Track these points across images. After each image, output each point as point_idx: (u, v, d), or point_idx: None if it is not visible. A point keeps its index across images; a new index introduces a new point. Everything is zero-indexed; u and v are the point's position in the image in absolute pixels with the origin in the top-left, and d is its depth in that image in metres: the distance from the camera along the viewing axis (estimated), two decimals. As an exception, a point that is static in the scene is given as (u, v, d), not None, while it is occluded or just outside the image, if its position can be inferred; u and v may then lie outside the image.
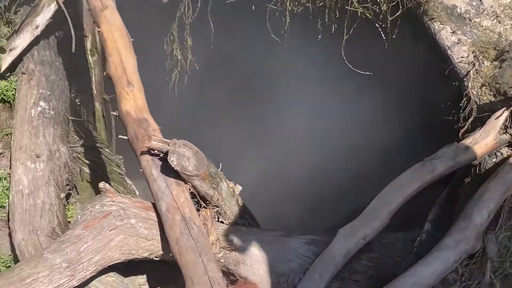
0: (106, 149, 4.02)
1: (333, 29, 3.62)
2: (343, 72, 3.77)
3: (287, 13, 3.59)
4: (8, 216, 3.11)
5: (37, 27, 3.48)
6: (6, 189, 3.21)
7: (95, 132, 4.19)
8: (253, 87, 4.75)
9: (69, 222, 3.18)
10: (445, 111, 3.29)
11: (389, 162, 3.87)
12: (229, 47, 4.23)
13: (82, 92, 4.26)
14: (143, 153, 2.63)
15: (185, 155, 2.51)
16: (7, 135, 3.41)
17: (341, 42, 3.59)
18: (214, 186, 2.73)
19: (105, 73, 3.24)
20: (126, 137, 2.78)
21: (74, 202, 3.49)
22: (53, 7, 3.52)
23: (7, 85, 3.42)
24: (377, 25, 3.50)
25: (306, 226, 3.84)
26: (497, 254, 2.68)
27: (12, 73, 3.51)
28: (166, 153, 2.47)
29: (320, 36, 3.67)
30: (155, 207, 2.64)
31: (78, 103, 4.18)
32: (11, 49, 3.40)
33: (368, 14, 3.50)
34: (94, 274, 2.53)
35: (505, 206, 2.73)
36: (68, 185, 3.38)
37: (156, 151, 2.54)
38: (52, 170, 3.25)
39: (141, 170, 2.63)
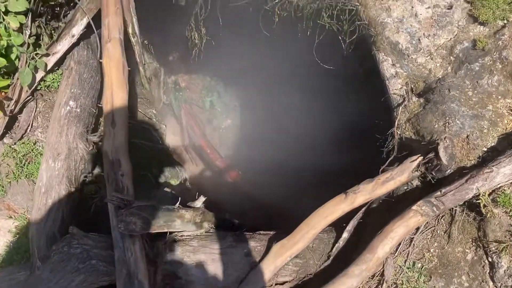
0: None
1: (308, 33, 4.01)
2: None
3: (276, 15, 4.07)
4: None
5: (73, 36, 4.18)
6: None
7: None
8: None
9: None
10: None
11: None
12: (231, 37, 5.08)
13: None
14: (109, 200, 3.18)
15: (131, 222, 3.02)
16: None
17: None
18: (167, 228, 3.23)
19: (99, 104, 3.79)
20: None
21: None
22: (85, 21, 4.19)
23: (54, 78, 4.31)
24: (340, 37, 3.79)
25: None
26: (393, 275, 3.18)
27: (60, 67, 4.35)
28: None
29: (299, 35, 4.11)
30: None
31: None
32: (54, 53, 4.17)
33: (334, 28, 3.80)
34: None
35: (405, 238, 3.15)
36: (83, 174, 4.00)
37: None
38: (68, 167, 3.77)
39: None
